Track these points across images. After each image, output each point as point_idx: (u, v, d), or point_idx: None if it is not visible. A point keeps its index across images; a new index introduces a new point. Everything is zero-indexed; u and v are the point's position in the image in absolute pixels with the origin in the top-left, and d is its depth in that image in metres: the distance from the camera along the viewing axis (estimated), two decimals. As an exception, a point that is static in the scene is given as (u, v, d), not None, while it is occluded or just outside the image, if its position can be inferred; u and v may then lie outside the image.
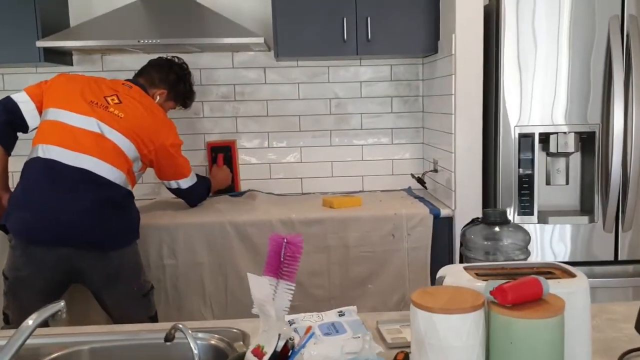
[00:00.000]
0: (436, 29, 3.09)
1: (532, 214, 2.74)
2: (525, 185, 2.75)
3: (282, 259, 1.00)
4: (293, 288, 1.02)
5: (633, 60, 2.63)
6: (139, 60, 3.36)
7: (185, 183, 2.87)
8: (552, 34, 2.68)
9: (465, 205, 2.86)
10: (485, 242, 1.34)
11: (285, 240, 1.01)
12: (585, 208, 2.82)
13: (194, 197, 3.01)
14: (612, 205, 2.70)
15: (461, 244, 1.39)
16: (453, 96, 2.83)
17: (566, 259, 2.78)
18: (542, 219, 2.74)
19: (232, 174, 3.43)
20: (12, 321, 2.40)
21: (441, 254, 2.93)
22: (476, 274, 1.15)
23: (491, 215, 1.31)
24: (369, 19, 3.04)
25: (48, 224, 2.30)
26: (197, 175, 2.96)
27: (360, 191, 3.55)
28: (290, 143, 3.54)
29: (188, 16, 3.04)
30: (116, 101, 2.50)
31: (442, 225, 2.92)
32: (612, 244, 2.78)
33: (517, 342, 0.93)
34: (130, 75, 3.32)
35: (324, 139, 3.55)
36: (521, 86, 2.71)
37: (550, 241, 2.76)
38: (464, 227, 1.38)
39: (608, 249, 2.78)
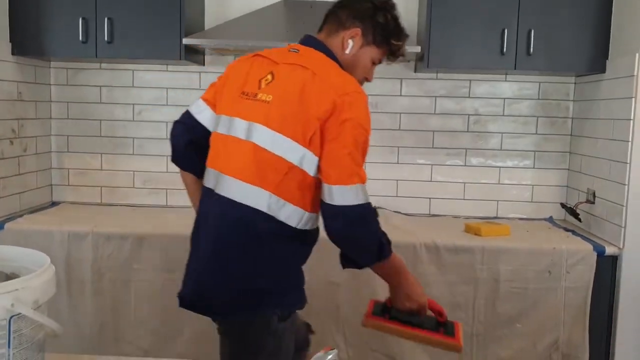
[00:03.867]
0: (605, 46, 2.79)
1: None
2: None
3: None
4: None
5: None
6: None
7: (342, 196, 1.54)
8: None
9: (636, 244, 2.56)
10: None
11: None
12: None
13: (354, 227, 1.60)
14: None
15: None
16: (631, 121, 2.52)
17: None
18: None
19: None
20: None
21: (601, 297, 2.63)
22: None
23: None
24: (532, 31, 2.77)
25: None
26: (365, 193, 1.58)
27: (494, 217, 3.27)
28: (421, 160, 3.31)
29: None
30: (269, 80, 1.64)
31: (604, 265, 2.61)
32: None
33: None
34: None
35: (458, 158, 3.30)
36: None
37: None
38: None
39: None
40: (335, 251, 2.61)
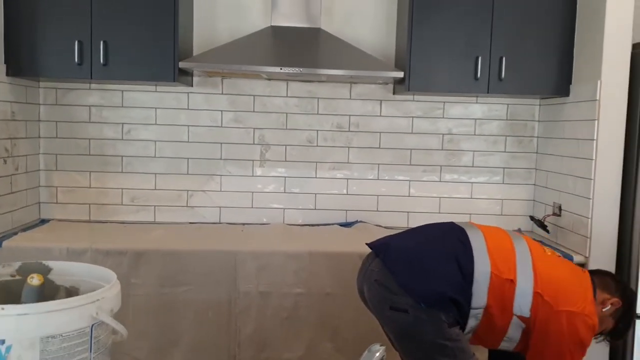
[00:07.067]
0: (569, 73, 3.07)
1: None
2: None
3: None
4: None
5: None
6: (258, 85, 3.39)
7: None
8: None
9: (601, 253, 2.81)
10: None
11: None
12: None
13: None
14: None
15: None
16: (594, 141, 2.79)
17: None
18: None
19: None
20: None
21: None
22: None
23: None
24: (503, 58, 3.02)
25: None
26: None
27: (468, 229, 3.49)
28: (399, 176, 3.51)
29: (326, 47, 3.05)
30: None
31: (572, 272, 2.85)
32: None
33: None
34: (248, 101, 3.39)
35: (433, 174, 3.52)
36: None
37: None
38: None
39: None
40: (329, 264, 2.79)
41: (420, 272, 2.01)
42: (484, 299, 1.95)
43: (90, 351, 1.12)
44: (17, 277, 1.33)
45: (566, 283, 2.00)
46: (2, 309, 1.01)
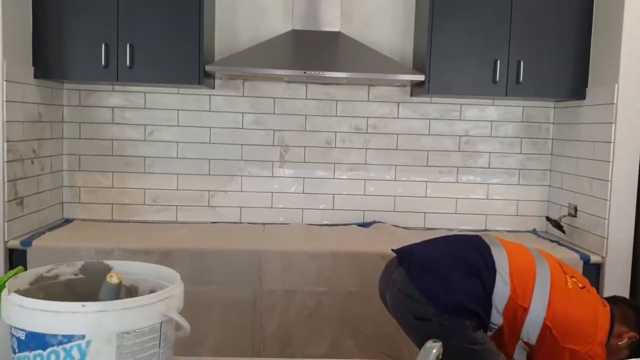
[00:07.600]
0: (585, 76, 3.13)
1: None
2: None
3: None
4: None
5: None
6: (278, 88, 3.45)
7: None
8: None
9: (617, 252, 2.87)
10: None
11: None
12: None
13: None
14: None
15: None
16: (612, 144, 2.85)
17: None
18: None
19: None
20: None
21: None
22: None
23: None
24: (521, 62, 3.09)
25: None
26: None
27: (483, 230, 3.56)
28: (416, 177, 3.57)
29: (347, 51, 3.11)
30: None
31: (589, 273, 2.90)
32: None
33: None
34: (269, 103, 3.45)
35: (450, 175, 3.58)
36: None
37: None
38: None
39: None
40: (351, 264, 2.85)
41: (443, 282, 2.01)
42: (500, 318, 1.97)
43: (159, 346, 1.18)
44: (80, 276, 1.39)
45: (579, 322, 1.96)
46: (83, 306, 1.07)
